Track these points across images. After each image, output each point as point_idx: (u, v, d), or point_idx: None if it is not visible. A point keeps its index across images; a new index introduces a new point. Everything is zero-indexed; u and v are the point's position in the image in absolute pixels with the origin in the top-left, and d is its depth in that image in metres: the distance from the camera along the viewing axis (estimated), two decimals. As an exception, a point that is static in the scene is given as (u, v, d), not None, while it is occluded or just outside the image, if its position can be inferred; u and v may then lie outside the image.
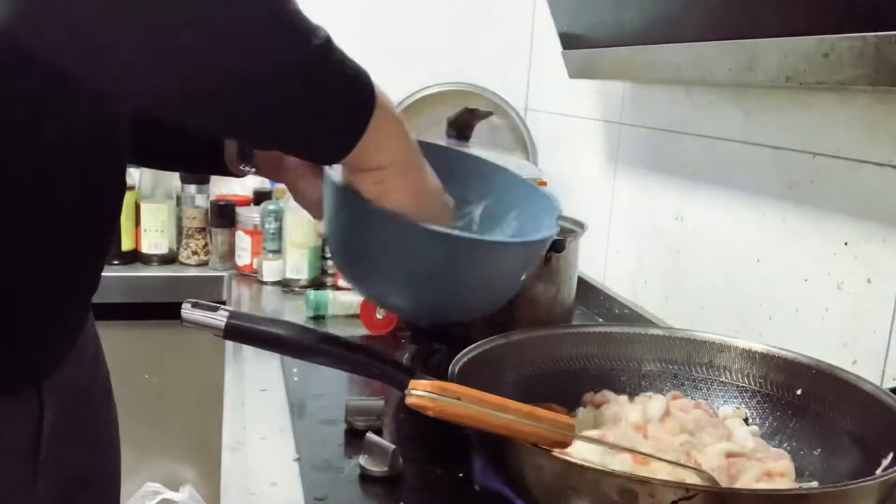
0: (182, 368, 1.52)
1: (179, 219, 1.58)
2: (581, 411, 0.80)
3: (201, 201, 1.56)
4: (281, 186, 1.63)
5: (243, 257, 1.50)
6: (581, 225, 1.10)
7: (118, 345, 1.54)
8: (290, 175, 0.84)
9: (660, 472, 0.64)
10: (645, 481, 0.55)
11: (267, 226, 1.43)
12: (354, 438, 0.82)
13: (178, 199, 1.58)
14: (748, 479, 0.67)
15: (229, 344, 1.06)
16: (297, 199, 0.84)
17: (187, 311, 0.64)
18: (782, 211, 1.00)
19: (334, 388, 0.96)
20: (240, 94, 0.53)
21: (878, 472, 0.63)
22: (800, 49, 0.80)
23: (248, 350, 1.05)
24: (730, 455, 0.70)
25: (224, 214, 1.52)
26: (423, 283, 0.68)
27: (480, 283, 0.71)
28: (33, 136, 0.60)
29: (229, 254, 1.52)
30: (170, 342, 1.50)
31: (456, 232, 0.67)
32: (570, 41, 1.39)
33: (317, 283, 1.42)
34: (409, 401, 0.59)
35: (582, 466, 0.56)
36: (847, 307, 0.89)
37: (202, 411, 1.42)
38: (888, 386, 0.78)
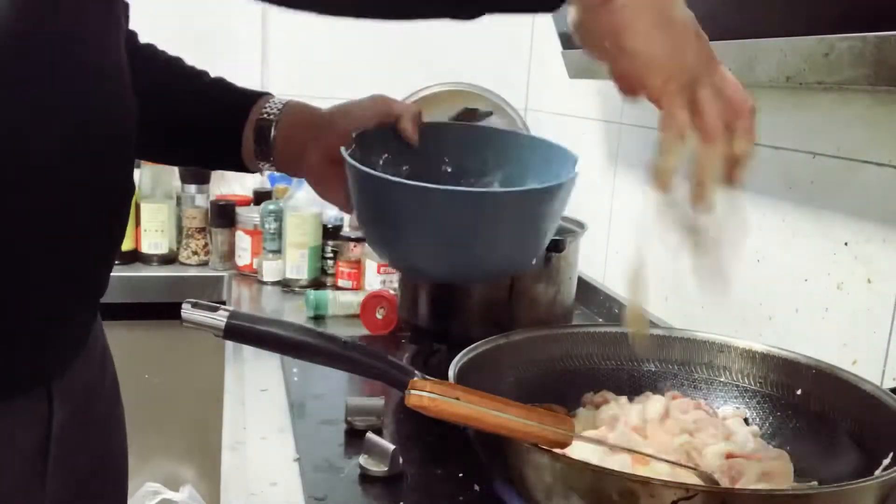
0: (182, 368, 1.52)
1: (179, 219, 1.58)
2: (581, 411, 0.80)
3: (201, 201, 1.56)
4: (281, 186, 1.63)
5: (243, 257, 1.50)
6: (581, 225, 1.10)
7: (118, 345, 1.54)
8: (310, 170, 0.83)
9: (659, 472, 0.64)
10: (645, 481, 0.55)
11: (267, 226, 1.43)
12: (354, 438, 0.82)
13: (178, 199, 1.58)
14: (748, 480, 0.67)
15: (229, 344, 1.06)
16: (320, 193, 0.84)
17: (187, 311, 0.65)
18: (782, 211, 1.00)
19: (334, 388, 0.96)
20: None
21: (878, 472, 0.63)
22: (800, 49, 0.80)
23: (248, 350, 1.05)
24: (730, 455, 0.70)
25: (224, 214, 1.52)
26: (454, 244, 0.70)
27: (508, 236, 0.72)
28: (37, 135, 0.60)
29: (229, 254, 1.52)
30: (170, 342, 1.50)
31: (476, 189, 0.69)
32: (570, 41, 1.39)
33: (317, 283, 1.42)
34: (409, 401, 0.59)
35: (582, 466, 0.56)
36: (847, 307, 0.89)
37: (202, 411, 1.42)
38: (888, 386, 0.78)
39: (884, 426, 0.67)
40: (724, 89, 0.61)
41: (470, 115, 1.64)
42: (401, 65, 1.86)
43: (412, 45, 1.87)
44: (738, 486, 0.66)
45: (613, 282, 1.45)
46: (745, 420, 0.80)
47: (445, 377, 0.67)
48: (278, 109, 0.84)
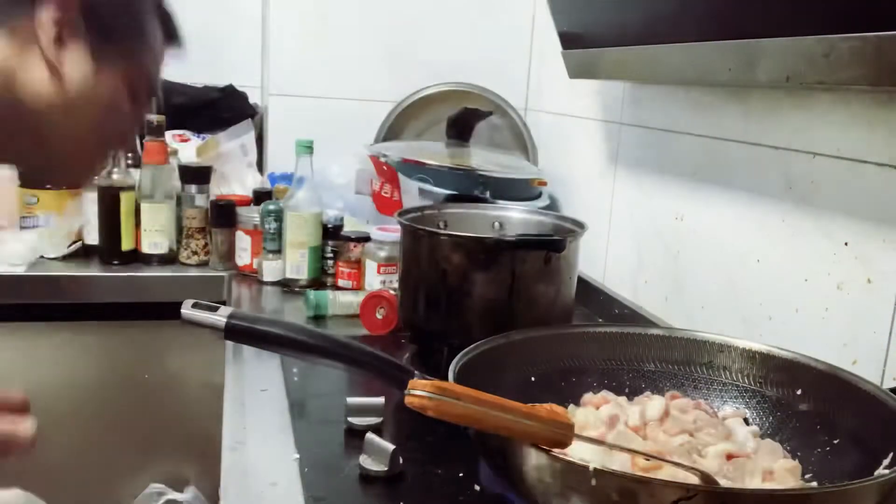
0: (182, 368, 1.52)
1: (179, 219, 1.58)
2: (581, 411, 0.80)
3: (201, 201, 1.56)
4: (281, 186, 1.63)
5: (243, 257, 1.50)
6: (581, 225, 1.10)
7: (118, 345, 1.55)
8: None
9: (659, 472, 0.64)
10: (645, 481, 0.55)
11: (267, 226, 1.43)
12: (354, 438, 0.82)
13: (178, 199, 1.58)
14: (749, 480, 0.67)
15: (229, 344, 1.06)
16: None
17: (187, 310, 0.65)
18: (782, 211, 1.00)
19: (334, 388, 0.96)
20: None
21: (878, 472, 0.63)
22: (800, 49, 0.80)
23: (248, 350, 1.05)
24: (730, 455, 0.70)
25: (224, 214, 1.52)
26: None
27: None
28: None
29: (229, 254, 1.52)
30: (170, 342, 1.50)
31: None
32: (570, 41, 1.39)
33: (317, 283, 1.42)
34: (409, 401, 0.59)
35: (582, 466, 0.56)
36: (847, 307, 0.89)
37: (202, 411, 1.42)
38: (888, 386, 0.78)
39: (884, 426, 0.67)
40: None
41: (470, 115, 1.64)
42: (401, 65, 1.86)
43: (412, 45, 1.87)
44: (738, 486, 0.66)
45: (613, 282, 1.45)
46: (745, 420, 0.80)
47: (445, 377, 0.67)
48: None
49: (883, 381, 0.83)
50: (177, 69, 1.78)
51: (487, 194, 1.45)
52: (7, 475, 1.08)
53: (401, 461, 0.75)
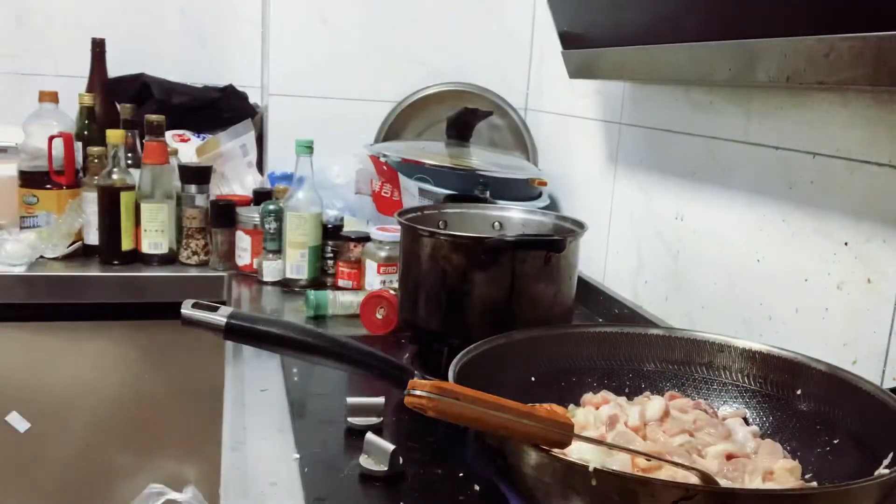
0: (182, 368, 1.52)
1: (179, 219, 1.58)
2: (581, 411, 0.80)
3: (201, 201, 1.56)
4: (281, 186, 1.63)
5: (243, 257, 1.50)
6: (581, 225, 1.10)
7: (118, 345, 1.55)
8: None
9: (659, 472, 0.64)
10: (645, 482, 0.55)
11: (267, 226, 1.43)
12: (354, 438, 0.82)
13: (178, 199, 1.58)
14: (749, 480, 0.67)
15: (229, 344, 1.06)
16: None
17: (187, 310, 0.65)
18: (782, 211, 1.00)
19: (334, 388, 0.96)
20: None
21: (878, 472, 0.63)
22: (800, 49, 0.80)
23: (248, 350, 1.05)
24: (730, 455, 0.70)
25: (224, 214, 1.52)
26: None
27: None
28: None
29: (229, 254, 1.52)
30: (170, 342, 1.50)
31: None
32: (570, 41, 1.39)
33: (317, 283, 1.42)
34: (409, 401, 0.59)
35: (582, 466, 0.56)
36: (847, 307, 0.89)
37: (202, 411, 1.42)
38: (888, 386, 0.78)
39: (884, 426, 0.67)
40: None
41: (470, 115, 1.64)
42: (401, 65, 1.86)
43: (412, 45, 1.87)
44: (738, 486, 0.66)
45: (613, 282, 1.45)
46: (745, 420, 0.79)
47: (445, 377, 0.67)
48: None
49: (883, 381, 0.83)
50: (177, 69, 1.79)
51: (487, 194, 1.45)
52: (7, 475, 1.08)
53: (401, 461, 0.75)
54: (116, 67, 1.75)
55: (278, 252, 1.44)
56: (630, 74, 1.27)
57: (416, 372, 0.65)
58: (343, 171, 1.68)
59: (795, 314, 0.97)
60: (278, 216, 1.43)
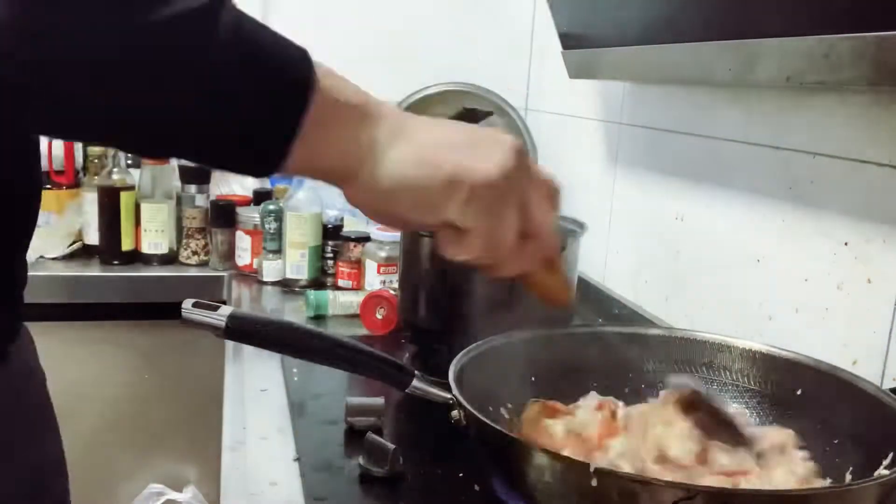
0: (182, 368, 1.52)
1: (179, 219, 1.58)
2: (580, 412, 0.80)
3: (201, 201, 1.56)
4: (281, 186, 1.63)
5: (243, 257, 1.50)
6: (581, 225, 1.10)
7: (118, 345, 1.55)
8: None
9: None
10: (645, 482, 0.55)
11: (267, 226, 1.43)
12: (354, 438, 0.81)
13: (178, 199, 1.58)
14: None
15: (229, 344, 1.06)
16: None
17: (188, 310, 0.65)
18: (782, 211, 1.00)
19: (334, 388, 0.96)
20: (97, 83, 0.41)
21: (878, 472, 0.63)
22: (800, 49, 0.80)
23: (248, 350, 1.05)
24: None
25: (224, 214, 1.52)
26: None
27: None
28: None
29: (229, 254, 1.52)
30: (170, 342, 1.50)
31: None
32: (570, 41, 1.39)
33: (317, 283, 1.42)
34: None
35: (583, 466, 0.56)
36: (847, 307, 0.89)
37: (202, 411, 1.42)
38: (888, 386, 0.78)
39: (884, 426, 0.67)
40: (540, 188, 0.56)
41: (470, 115, 1.64)
42: (401, 65, 1.86)
43: (412, 45, 1.87)
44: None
45: (613, 282, 1.45)
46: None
47: (445, 377, 0.67)
48: None
49: (883, 382, 0.83)
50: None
51: (487, 194, 1.45)
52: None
53: (401, 461, 0.75)
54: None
55: (278, 252, 1.44)
56: (630, 74, 1.27)
57: (416, 372, 0.65)
58: (343, 171, 1.68)
59: (795, 314, 0.97)
60: (278, 216, 1.43)
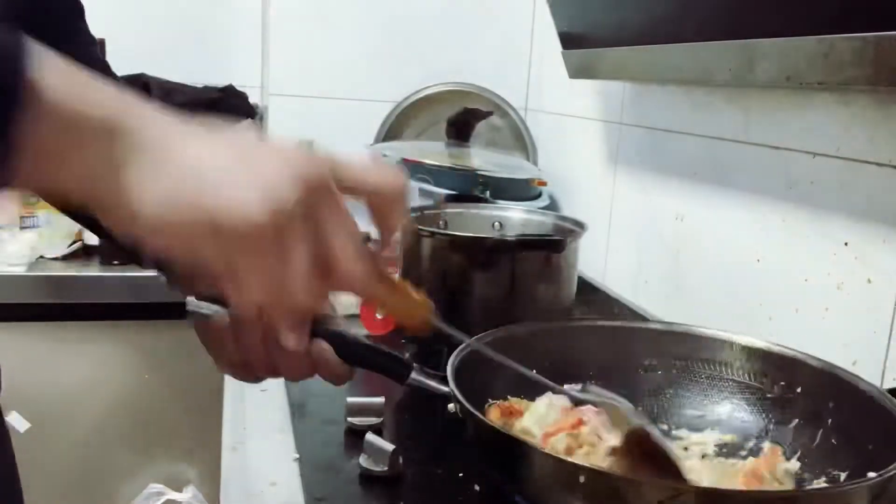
0: (182, 368, 1.52)
1: (179, 219, 1.58)
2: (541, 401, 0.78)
3: (201, 201, 1.56)
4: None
5: (243, 257, 1.50)
6: (581, 225, 1.10)
7: (118, 345, 1.55)
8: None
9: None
10: (633, 481, 0.55)
11: (267, 226, 1.43)
12: (354, 438, 0.82)
13: (179, 199, 1.58)
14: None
15: (229, 344, 1.05)
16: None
17: (192, 304, 0.65)
18: (782, 211, 1.00)
19: (334, 388, 0.96)
20: None
21: (876, 473, 0.63)
22: (800, 49, 0.80)
23: (248, 350, 1.05)
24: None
25: (224, 214, 1.52)
26: None
27: None
28: None
29: (229, 254, 1.52)
30: (170, 342, 1.50)
31: None
32: (570, 41, 1.39)
33: (317, 283, 1.42)
34: None
35: (573, 465, 0.56)
36: (847, 307, 0.89)
37: (202, 411, 1.42)
38: (888, 386, 0.78)
39: (883, 427, 0.67)
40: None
41: (470, 115, 1.64)
42: (401, 65, 1.86)
43: (412, 45, 1.87)
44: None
45: (613, 282, 1.45)
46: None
47: (445, 377, 0.67)
48: None
49: (883, 382, 0.83)
50: (177, 69, 1.79)
51: (487, 194, 1.45)
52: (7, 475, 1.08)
53: (401, 461, 0.75)
54: (116, 67, 1.74)
55: (278, 252, 1.44)
56: (630, 74, 1.27)
57: (415, 365, 0.65)
58: (343, 171, 1.68)
59: (795, 314, 0.97)
60: (278, 216, 1.43)
